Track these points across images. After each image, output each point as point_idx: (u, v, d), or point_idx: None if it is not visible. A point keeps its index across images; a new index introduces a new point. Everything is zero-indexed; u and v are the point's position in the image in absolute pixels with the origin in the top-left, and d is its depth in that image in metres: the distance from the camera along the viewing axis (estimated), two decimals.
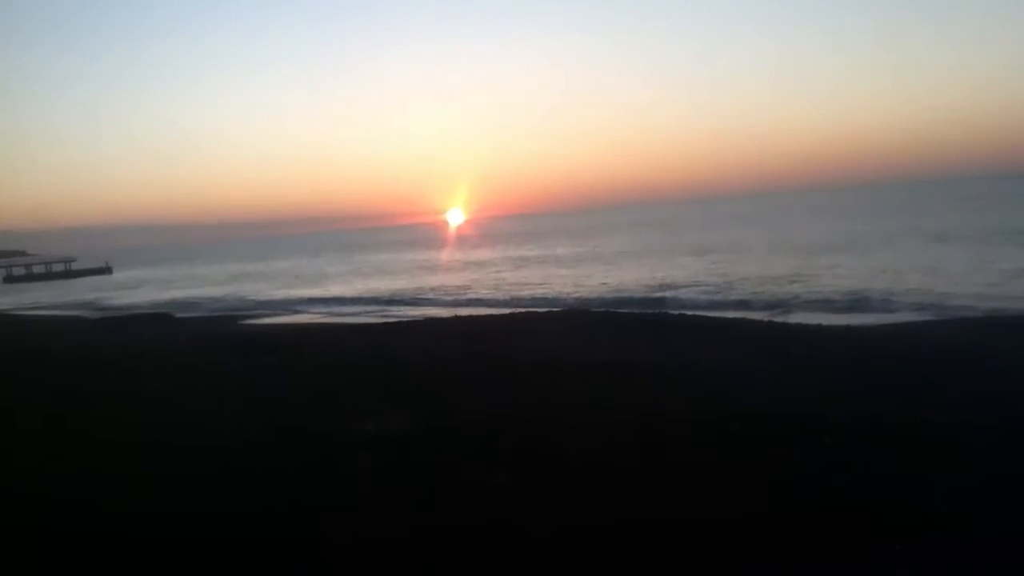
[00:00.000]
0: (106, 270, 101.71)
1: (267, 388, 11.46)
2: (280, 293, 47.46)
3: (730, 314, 22.47)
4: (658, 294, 31.73)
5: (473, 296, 37.72)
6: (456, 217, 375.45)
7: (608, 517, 5.60)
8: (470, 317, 23.05)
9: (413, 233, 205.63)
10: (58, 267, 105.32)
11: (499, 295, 37.12)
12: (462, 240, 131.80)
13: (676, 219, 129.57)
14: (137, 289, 64.65)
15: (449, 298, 37.62)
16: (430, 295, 39.79)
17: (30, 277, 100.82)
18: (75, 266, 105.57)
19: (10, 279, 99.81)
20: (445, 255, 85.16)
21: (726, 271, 38.34)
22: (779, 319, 20.95)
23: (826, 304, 24.81)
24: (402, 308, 34.46)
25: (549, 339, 15.91)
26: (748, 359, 12.61)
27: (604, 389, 9.99)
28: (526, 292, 37.38)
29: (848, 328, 17.87)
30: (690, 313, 22.07)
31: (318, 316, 32.73)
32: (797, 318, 21.83)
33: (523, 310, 25.92)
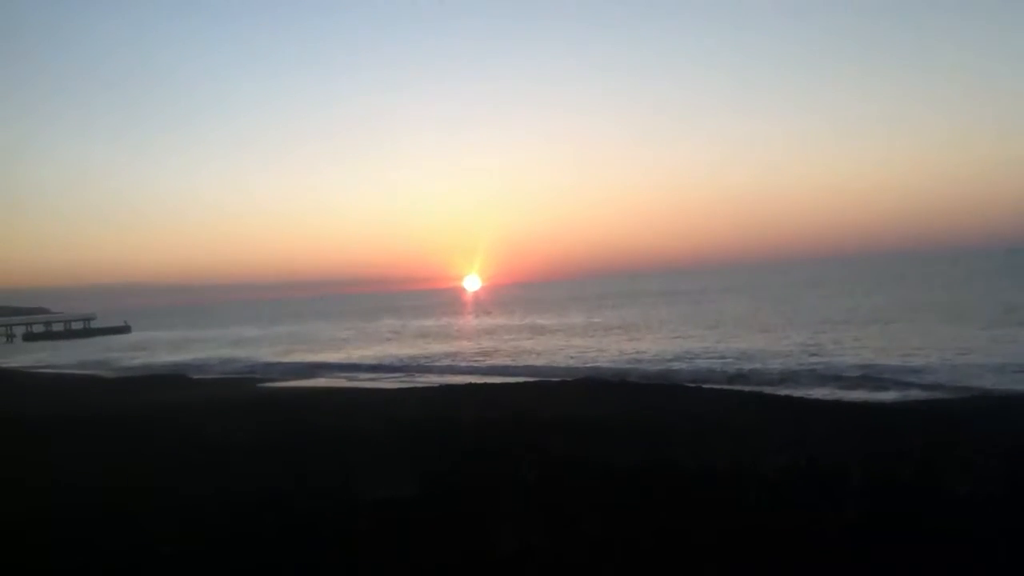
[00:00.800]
0: (124, 329, 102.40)
1: (274, 448, 11.47)
2: (296, 357, 47.61)
3: (746, 387, 22.42)
4: (674, 365, 31.65)
5: (490, 363, 37.72)
6: (473, 283, 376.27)
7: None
8: (485, 384, 23.09)
9: (430, 299, 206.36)
10: (77, 325, 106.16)
11: (515, 363, 37.13)
12: (479, 306, 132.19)
13: (691, 289, 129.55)
14: (154, 349, 65.02)
15: (465, 365, 37.64)
16: (447, 361, 39.82)
17: (50, 335, 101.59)
18: (94, 324, 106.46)
19: (30, 336, 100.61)
20: (462, 322, 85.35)
21: (742, 343, 38.23)
22: (797, 393, 20.80)
23: (842, 380, 24.61)
24: (418, 374, 34.50)
25: (563, 406, 15.87)
26: (762, 425, 12.53)
27: (620, 443, 9.93)
28: (542, 360, 37.38)
29: (866, 404, 17.79)
30: (706, 386, 22.01)
31: (333, 380, 32.74)
32: (815, 393, 21.68)
33: (539, 379, 25.92)
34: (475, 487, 8.50)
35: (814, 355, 31.48)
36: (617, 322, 63.24)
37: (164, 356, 55.00)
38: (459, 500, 8.01)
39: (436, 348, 48.67)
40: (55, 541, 7.27)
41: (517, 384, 23.10)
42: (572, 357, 38.03)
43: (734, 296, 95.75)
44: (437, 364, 38.83)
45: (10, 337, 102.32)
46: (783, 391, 21.46)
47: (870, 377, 24.53)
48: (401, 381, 30.91)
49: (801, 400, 17.96)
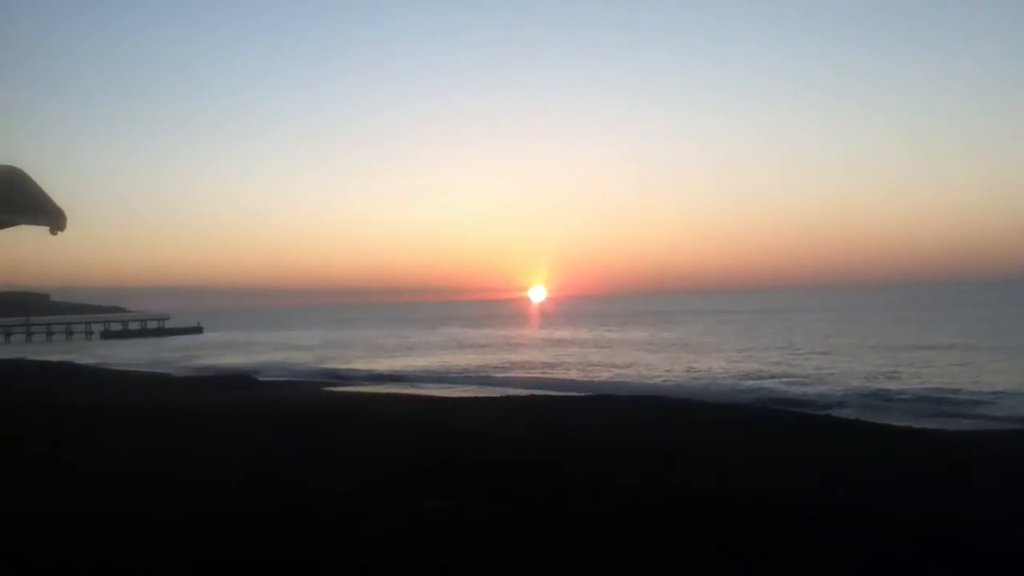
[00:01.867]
0: (197, 329, 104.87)
1: (316, 453, 11.37)
2: (358, 363, 47.99)
3: (808, 411, 21.74)
4: (740, 384, 30.93)
5: (553, 377, 37.33)
6: (538, 294, 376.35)
7: None
8: (545, 397, 22.82)
9: (494, 309, 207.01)
10: (152, 324, 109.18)
11: (579, 376, 36.73)
12: (544, 318, 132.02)
13: (763, 308, 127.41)
14: (224, 349, 66.34)
15: (528, 376, 37.32)
16: (509, 373, 39.52)
17: (126, 333, 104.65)
18: (168, 324, 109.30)
19: (107, 334, 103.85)
20: (526, 332, 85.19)
21: (811, 365, 37.24)
22: (864, 418, 20.02)
23: (911, 407, 23.68)
24: (477, 385, 34.33)
25: (615, 423, 15.48)
26: (814, 453, 11.95)
27: (655, 465, 9.57)
28: (607, 375, 36.96)
29: (937, 432, 17.04)
30: (770, 407, 21.41)
31: (391, 387, 32.77)
32: (881, 419, 20.85)
33: (594, 393, 25.50)
34: (512, 505, 8.31)
35: (887, 379, 30.44)
36: (685, 339, 62.35)
37: (232, 357, 56.02)
38: (475, 512, 7.85)
39: (496, 359, 48.56)
40: (52, 537, 7.22)
41: (579, 398, 22.74)
42: (640, 372, 37.51)
43: (806, 316, 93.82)
44: (496, 375, 38.57)
45: (88, 334, 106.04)
46: (849, 415, 20.70)
47: (942, 406, 23.57)
48: (463, 391, 30.72)
49: (865, 424, 17.21)
